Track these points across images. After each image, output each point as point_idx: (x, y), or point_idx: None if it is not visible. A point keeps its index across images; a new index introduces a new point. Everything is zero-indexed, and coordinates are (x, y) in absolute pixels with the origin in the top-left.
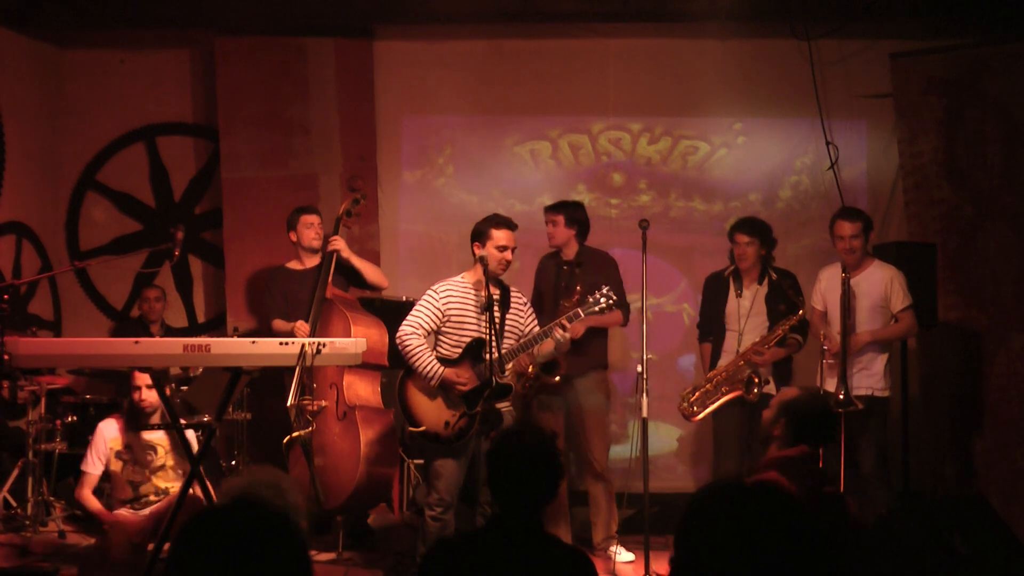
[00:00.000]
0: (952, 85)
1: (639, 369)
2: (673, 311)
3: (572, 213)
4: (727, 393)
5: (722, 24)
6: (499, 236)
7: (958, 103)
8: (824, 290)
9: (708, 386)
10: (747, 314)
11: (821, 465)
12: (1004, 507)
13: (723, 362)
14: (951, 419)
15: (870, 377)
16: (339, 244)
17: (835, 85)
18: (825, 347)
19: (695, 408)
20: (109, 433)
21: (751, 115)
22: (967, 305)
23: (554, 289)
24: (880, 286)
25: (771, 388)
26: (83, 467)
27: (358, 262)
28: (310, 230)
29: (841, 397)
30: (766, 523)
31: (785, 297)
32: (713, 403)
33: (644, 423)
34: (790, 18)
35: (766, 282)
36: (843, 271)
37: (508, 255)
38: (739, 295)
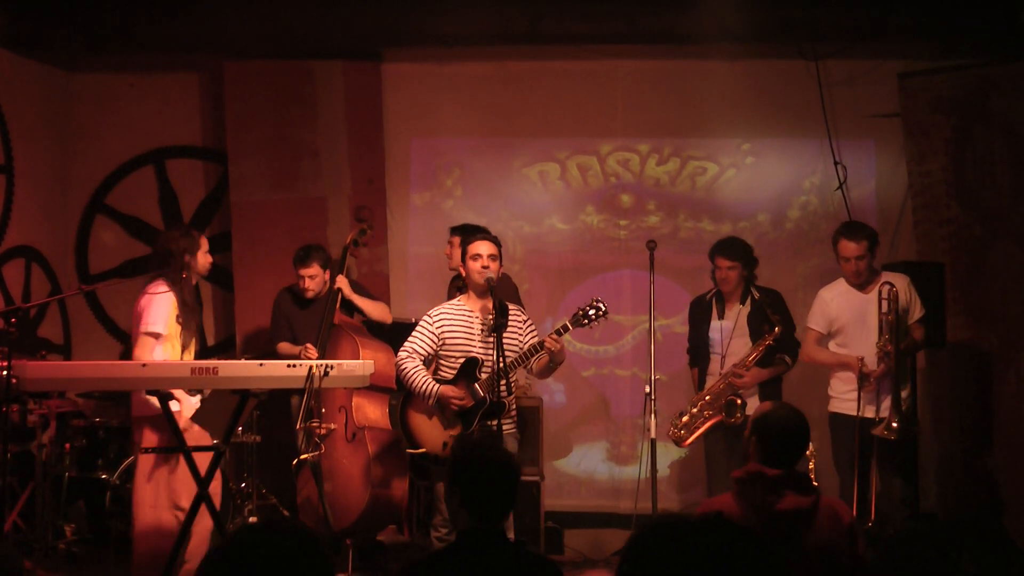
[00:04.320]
0: (960, 104)
1: (647, 390)
2: (681, 332)
3: (468, 236)
4: (709, 418)
5: (730, 45)
6: (470, 247)
7: (966, 122)
8: (834, 311)
9: (694, 410)
10: (730, 336)
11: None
12: (1014, 527)
13: (708, 385)
14: (961, 439)
15: (907, 396)
16: (343, 285)
17: (843, 105)
18: (865, 371)
19: (683, 433)
20: (170, 298)
21: (759, 136)
22: (976, 325)
23: None
24: (901, 296)
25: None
26: (146, 330)
27: (360, 301)
28: (301, 281)
29: (895, 424)
30: (709, 556)
31: (767, 316)
32: (699, 428)
33: (652, 444)
34: (797, 39)
35: (749, 302)
36: (889, 285)
37: (484, 262)
38: (721, 317)
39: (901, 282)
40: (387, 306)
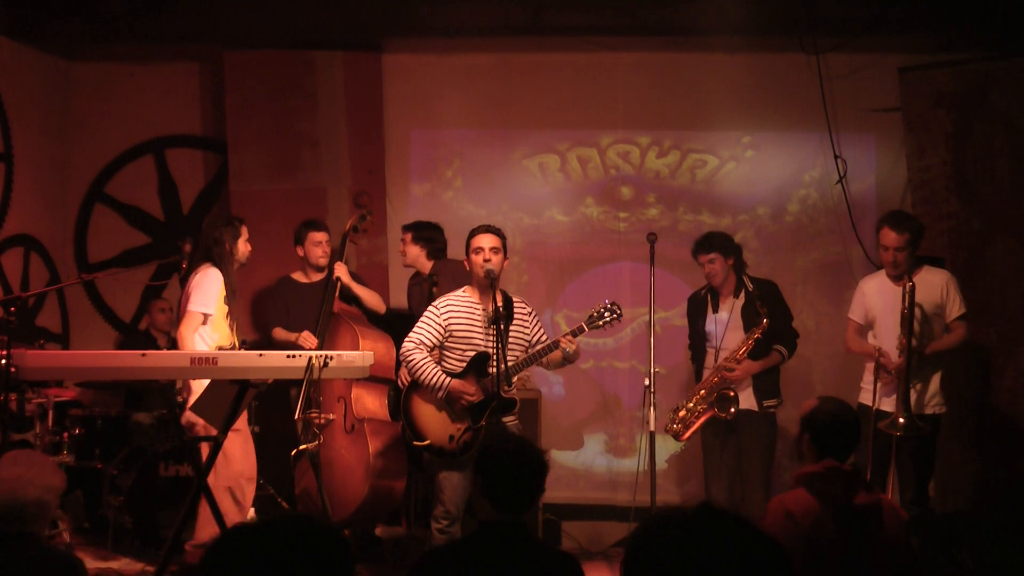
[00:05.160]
0: (961, 99)
1: (647, 383)
2: (681, 325)
3: (419, 232)
4: (703, 412)
5: (730, 38)
6: (473, 241)
7: (967, 117)
8: (870, 301)
9: (689, 404)
10: (724, 329)
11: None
12: (1013, 522)
13: (703, 379)
14: (960, 433)
15: (928, 394)
16: (341, 272)
17: (843, 99)
18: (883, 363)
19: (679, 427)
20: (219, 278)
21: (760, 129)
22: (975, 319)
23: (420, 307)
24: (935, 292)
25: (751, 403)
26: (193, 308)
27: (358, 289)
28: (317, 248)
29: (902, 420)
30: (712, 549)
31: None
32: (695, 422)
33: (652, 437)
34: (798, 32)
35: (743, 294)
36: (908, 279)
37: (486, 255)
38: (715, 312)
39: (939, 278)
40: (381, 297)
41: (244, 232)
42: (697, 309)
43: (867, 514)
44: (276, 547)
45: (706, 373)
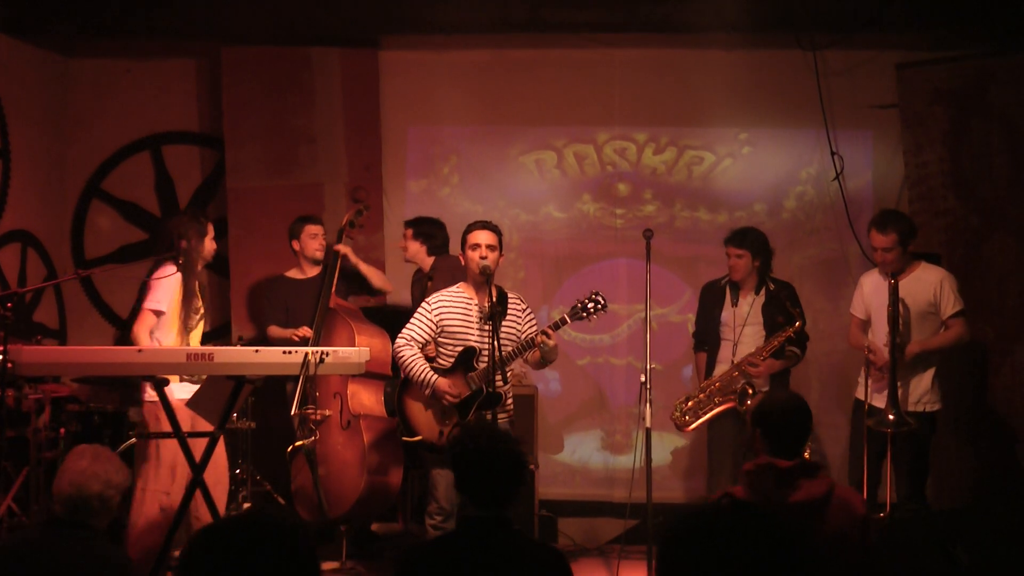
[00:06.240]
0: (958, 96)
1: (643, 379)
2: (678, 321)
3: (420, 228)
4: (720, 404)
5: (728, 35)
6: (470, 237)
7: (964, 114)
8: (867, 297)
9: (701, 396)
10: (743, 324)
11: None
12: (1009, 519)
13: (718, 372)
14: (955, 430)
15: (918, 391)
16: (346, 249)
17: (841, 96)
18: (871, 359)
19: (687, 418)
20: (177, 279)
21: (756, 126)
22: (972, 317)
23: (418, 302)
24: (928, 290)
25: None
26: (148, 305)
27: (364, 268)
28: (314, 241)
29: (891, 417)
30: (743, 545)
31: (783, 308)
32: (706, 413)
33: (648, 433)
34: (796, 29)
35: (764, 292)
36: (891, 277)
37: (482, 252)
38: (735, 304)
39: (934, 276)
40: (385, 276)
41: (210, 230)
42: (714, 299)
43: (802, 512)
44: (235, 549)
45: (721, 366)
